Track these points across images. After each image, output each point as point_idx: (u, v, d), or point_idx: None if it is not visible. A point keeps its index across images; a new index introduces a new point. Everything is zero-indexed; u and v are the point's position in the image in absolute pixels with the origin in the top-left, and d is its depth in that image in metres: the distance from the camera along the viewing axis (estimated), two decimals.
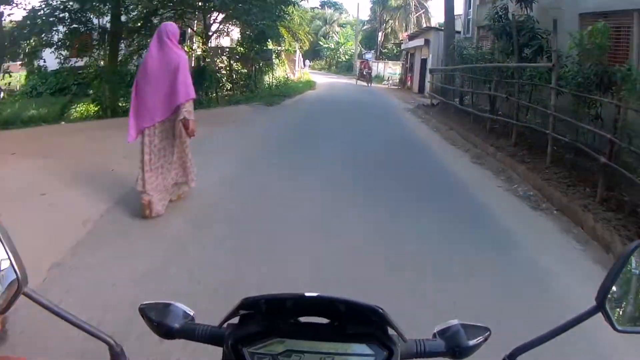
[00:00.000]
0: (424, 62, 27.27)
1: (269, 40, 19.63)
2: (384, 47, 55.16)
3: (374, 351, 0.79)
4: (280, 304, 0.80)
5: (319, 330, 0.81)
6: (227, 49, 22.49)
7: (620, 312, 0.87)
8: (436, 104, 18.40)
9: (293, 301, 0.79)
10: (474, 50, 15.99)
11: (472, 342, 0.89)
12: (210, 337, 0.87)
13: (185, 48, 21.64)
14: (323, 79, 39.13)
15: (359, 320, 0.80)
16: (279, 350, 0.79)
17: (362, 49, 57.74)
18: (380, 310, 0.76)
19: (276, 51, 28.55)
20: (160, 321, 0.89)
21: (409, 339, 0.84)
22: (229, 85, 22.38)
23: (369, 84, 33.81)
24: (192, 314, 0.92)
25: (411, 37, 31.18)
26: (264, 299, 0.78)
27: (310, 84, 30.22)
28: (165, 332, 0.89)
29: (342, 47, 65.83)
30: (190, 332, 0.88)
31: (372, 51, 54.53)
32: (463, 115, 14.45)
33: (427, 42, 26.24)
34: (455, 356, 0.89)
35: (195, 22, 21.12)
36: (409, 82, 32.27)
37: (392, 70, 43.82)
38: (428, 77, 25.92)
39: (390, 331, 0.81)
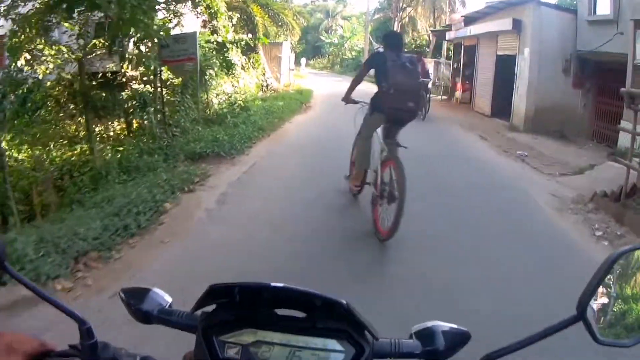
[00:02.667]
0: (503, 62, 14.66)
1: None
2: None
3: (344, 347, 0.76)
4: (255, 294, 0.78)
5: (293, 323, 0.78)
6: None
7: (602, 323, 0.80)
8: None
9: (268, 292, 0.77)
10: None
11: (450, 346, 0.83)
12: (185, 323, 0.84)
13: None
14: (324, 85, 26.25)
15: (333, 316, 0.77)
16: (249, 341, 0.77)
17: (374, 42, 44.97)
18: (346, 305, 0.73)
19: (237, 42, 15.86)
20: (138, 307, 0.86)
21: (384, 337, 0.82)
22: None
23: (424, 112, 13.98)
24: (170, 300, 0.90)
25: (469, 21, 18.17)
26: (232, 286, 0.76)
27: (302, 98, 17.45)
28: (143, 317, 0.86)
29: (348, 42, 53.30)
30: (167, 318, 0.86)
31: None
32: None
33: (517, 25, 13.45)
34: (431, 359, 0.83)
35: None
36: (460, 92, 19.57)
37: None
38: (521, 91, 13.27)
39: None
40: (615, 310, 0.81)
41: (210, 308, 0.81)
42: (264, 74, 20.33)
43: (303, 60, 48.61)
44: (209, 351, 0.76)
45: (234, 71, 15.73)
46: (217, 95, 12.28)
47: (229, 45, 15.23)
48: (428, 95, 14.34)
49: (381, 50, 5.55)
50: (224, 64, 15.64)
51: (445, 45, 27.98)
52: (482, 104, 16.42)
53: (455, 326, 0.86)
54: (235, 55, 16.05)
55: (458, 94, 19.99)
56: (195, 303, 0.79)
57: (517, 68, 13.44)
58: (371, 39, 45.84)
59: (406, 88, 4.64)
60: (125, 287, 0.90)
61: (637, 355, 1.19)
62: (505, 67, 14.51)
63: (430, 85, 16.11)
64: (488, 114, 15.61)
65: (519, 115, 13.17)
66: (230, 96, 12.69)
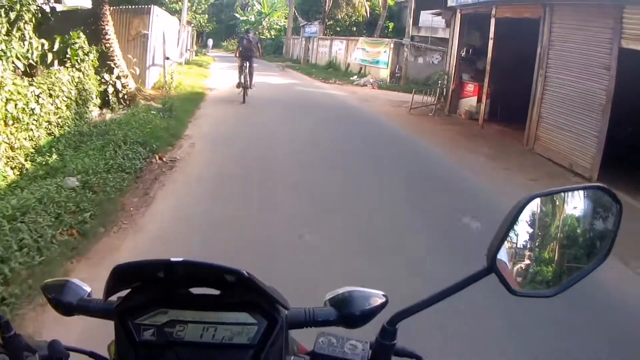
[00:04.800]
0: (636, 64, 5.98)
1: None
2: (332, 16, 33.20)
3: (257, 320, 0.74)
4: (167, 274, 0.73)
5: (206, 300, 0.75)
6: None
7: (516, 273, 0.74)
8: None
9: (179, 271, 0.72)
10: None
11: (366, 310, 0.79)
12: (102, 311, 0.81)
13: None
14: (232, 78, 16.33)
15: (246, 290, 0.73)
16: (163, 321, 0.74)
17: (301, 18, 35.27)
18: (245, 275, 0.69)
19: None
20: (58, 299, 0.83)
21: (298, 307, 0.80)
22: None
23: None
24: (88, 290, 0.86)
25: None
26: (137, 266, 0.72)
27: (161, 137, 7.12)
28: (64, 309, 0.83)
29: (267, 20, 43.27)
30: (85, 307, 0.83)
31: (317, 22, 32.45)
32: None
33: None
34: (348, 325, 0.80)
35: None
36: (473, 99, 10.86)
37: (366, 55, 21.91)
38: None
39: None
40: (530, 258, 0.74)
41: (125, 293, 0.75)
42: (107, 71, 10.27)
43: (210, 42, 38.22)
44: (126, 336, 0.74)
45: None
46: None
47: None
48: None
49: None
50: None
51: (410, 21, 19.02)
52: (566, 145, 7.54)
53: (372, 291, 0.82)
54: None
55: (467, 103, 11.10)
56: (105, 290, 0.73)
57: None
58: (296, 13, 36.06)
59: (245, 48, 11.99)
60: (47, 280, 0.86)
61: None
62: None
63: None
64: (582, 172, 6.90)
65: None
66: None
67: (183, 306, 0.74)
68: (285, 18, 41.45)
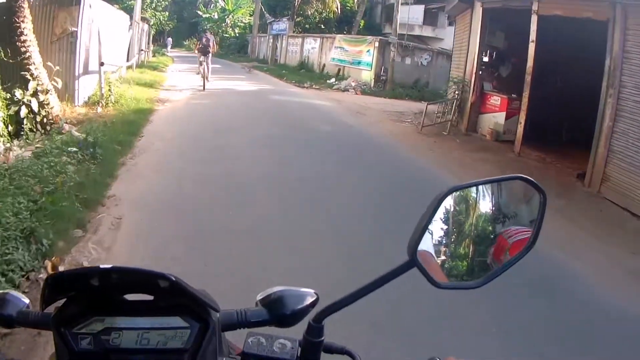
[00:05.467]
0: None
1: None
2: (302, 12, 30.68)
3: (189, 323, 0.73)
4: (102, 281, 0.70)
5: (142, 306, 0.74)
6: None
7: (441, 265, 0.73)
8: None
9: (112, 278, 0.71)
10: None
11: (297, 309, 0.79)
12: (40, 322, 0.79)
13: None
14: (190, 86, 13.71)
15: (178, 294, 0.71)
16: (98, 329, 0.72)
17: (268, 15, 32.48)
18: (173, 280, 0.67)
19: None
20: None
21: (231, 309, 0.79)
22: None
23: None
24: (27, 302, 0.83)
25: None
26: (67, 274, 0.72)
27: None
28: (4, 322, 0.80)
29: (230, 17, 40.32)
30: (25, 319, 0.80)
31: (286, 19, 29.81)
32: None
33: None
34: (280, 324, 0.79)
35: None
36: (499, 115, 8.58)
37: (345, 55, 19.44)
38: None
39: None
40: (452, 250, 0.73)
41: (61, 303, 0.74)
42: (20, 86, 7.48)
43: (169, 41, 35.05)
44: (65, 346, 0.72)
45: None
46: None
47: None
48: None
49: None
50: None
51: (398, 15, 16.68)
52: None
53: (302, 290, 0.81)
54: None
55: (491, 121, 8.78)
56: (41, 301, 0.71)
57: None
58: (263, 9, 33.24)
59: (204, 45, 14.53)
60: None
61: None
62: None
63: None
64: None
65: None
66: None
67: (118, 313, 0.73)
68: (251, 15, 38.65)
